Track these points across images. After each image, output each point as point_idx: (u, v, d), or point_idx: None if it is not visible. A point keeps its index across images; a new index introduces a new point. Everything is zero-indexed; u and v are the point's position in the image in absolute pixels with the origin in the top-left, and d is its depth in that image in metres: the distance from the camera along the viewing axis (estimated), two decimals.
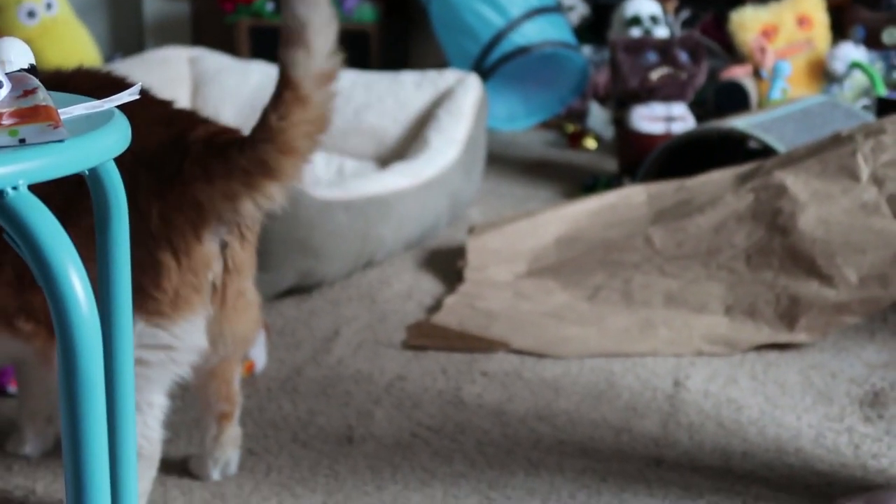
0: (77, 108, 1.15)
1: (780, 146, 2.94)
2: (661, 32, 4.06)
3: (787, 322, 2.36)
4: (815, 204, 2.48)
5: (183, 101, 3.28)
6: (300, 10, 1.42)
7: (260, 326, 1.82)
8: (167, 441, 1.74)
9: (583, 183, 3.52)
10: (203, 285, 1.59)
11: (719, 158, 3.01)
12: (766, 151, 2.98)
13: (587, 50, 4.35)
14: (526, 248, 2.77)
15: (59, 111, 1.07)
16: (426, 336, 2.38)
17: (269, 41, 4.47)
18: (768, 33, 3.98)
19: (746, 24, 3.99)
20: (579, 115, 4.19)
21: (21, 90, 1.07)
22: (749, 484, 1.81)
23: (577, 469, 1.86)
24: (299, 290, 2.60)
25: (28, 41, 1.20)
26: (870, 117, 3.21)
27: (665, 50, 3.58)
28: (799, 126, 3.11)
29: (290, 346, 2.34)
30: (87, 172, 1.18)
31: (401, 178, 2.84)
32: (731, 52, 4.08)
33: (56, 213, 1.04)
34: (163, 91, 1.71)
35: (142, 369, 1.59)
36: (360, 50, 4.45)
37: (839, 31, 4.12)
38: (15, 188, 1.01)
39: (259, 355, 2.20)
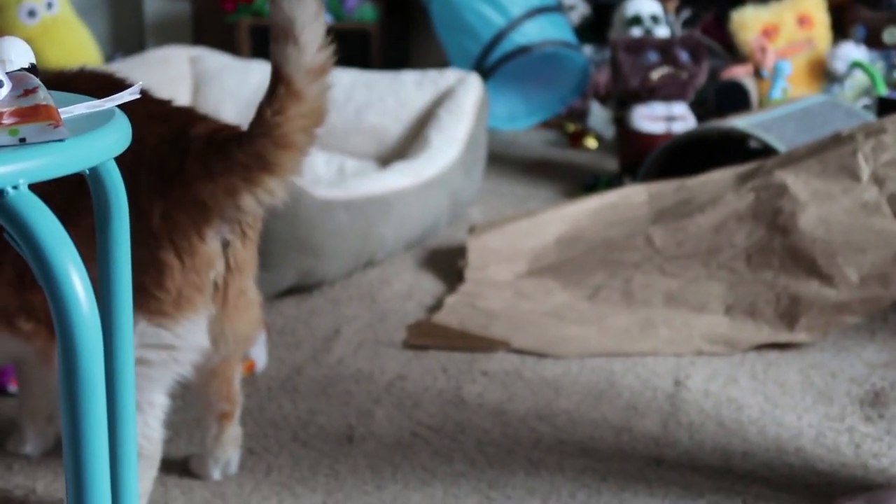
0: (77, 108, 1.15)
1: (781, 146, 2.94)
2: (662, 32, 4.06)
3: (787, 322, 2.36)
4: (816, 203, 2.48)
5: (184, 100, 3.27)
6: (287, 7, 1.43)
7: (261, 326, 1.82)
8: (168, 440, 1.74)
9: (583, 182, 3.52)
10: (206, 284, 1.59)
11: (720, 158, 3.01)
12: (766, 151, 2.98)
13: (588, 49, 4.35)
14: (526, 248, 2.77)
15: (60, 110, 1.07)
16: (427, 335, 2.38)
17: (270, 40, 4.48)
18: (769, 33, 3.98)
19: (747, 23, 3.99)
20: (580, 115, 4.19)
21: (21, 89, 1.07)
22: (749, 483, 1.81)
23: (577, 468, 1.86)
24: (300, 289, 2.60)
25: (29, 40, 1.20)
26: (870, 117, 3.21)
27: (666, 49, 3.58)
28: (799, 126, 3.11)
29: (290, 345, 2.34)
30: (87, 172, 1.18)
31: (401, 177, 2.84)
32: (732, 52, 4.08)
33: (56, 213, 1.04)
34: (164, 90, 1.71)
35: (144, 369, 1.59)
36: (361, 49, 4.45)
37: (840, 30, 4.12)
38: (15, 187, 1.01)
39: (259, 355, 2.20)
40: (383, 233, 2.73)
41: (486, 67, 4.00)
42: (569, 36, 4.13)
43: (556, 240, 2.78)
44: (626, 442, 1.95)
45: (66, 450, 1.07)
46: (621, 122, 3.57)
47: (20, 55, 1.14)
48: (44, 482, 1.82)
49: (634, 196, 2.85)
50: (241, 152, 1.51)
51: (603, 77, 4.23)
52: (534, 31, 4.03)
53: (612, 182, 3.40)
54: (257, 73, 3.44)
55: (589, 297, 2.53)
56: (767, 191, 2.56)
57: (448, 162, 3.01)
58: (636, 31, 4.03)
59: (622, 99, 3.58)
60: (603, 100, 4.23)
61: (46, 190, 1.06)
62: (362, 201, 2.67)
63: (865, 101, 3.76)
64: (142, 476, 1.63)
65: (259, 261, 1.74)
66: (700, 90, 3.69)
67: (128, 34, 4.96)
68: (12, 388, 2.06)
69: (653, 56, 3.56)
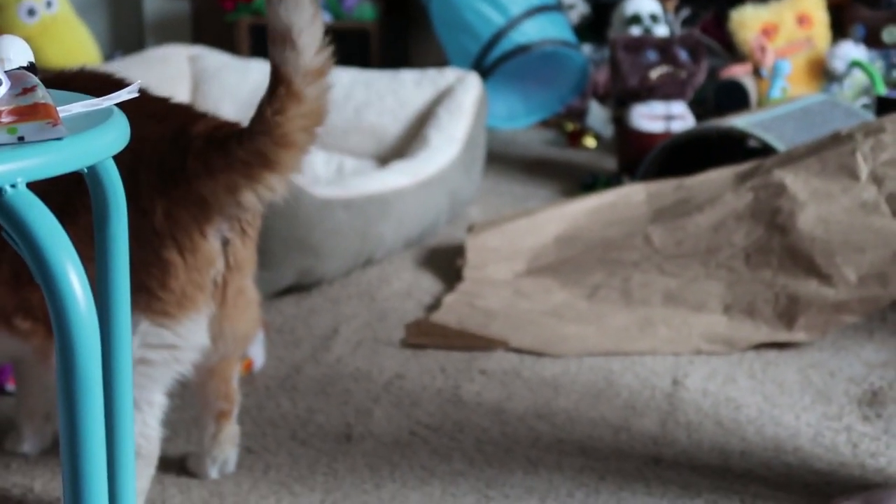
0: (76, 106, 1.15)
1: (780, 145, 2.94)
2: (661, 31, 4.06)
3: (785, 321, 2.36)
4: (815, 203, 2.48)
5: (183, 99, 3.27)
6: (284, 13, 1.44)
7: (259, 325, 1.82)
8: (166, 439, 1.74)
9: (582, 181, 3.52)
10: (206, 283, 1.59)
11: (719, 157, 3.01)
12: (765, 150, 2.98)
13: (587, 48, 4.35)
14: (525, 247, 2.77)
15: (58, 109, 1.07)
16: (425, 334, 2.38)
17: None
18: (768, 32, 3.98)
19: (746, 22, 3.99)
20: (579, 114, 4.19)
21: (20, 88, 1.07)
22: (747, 483, 1.81)
23: (575, 467, 1.86)
24: (299, 288, 2.60)
25: (28, 39, 1.20)
26: (869, 116, 3.21)
27: (665, 49, 3.58)
28: (798, 125, 3.11)
29: (289, 344, 2.34)
30: (85, 170, 1.18)
31: (400, 176, 2.84)
32: (731, 51, 4.08)
33: (54, 211, 1.04)
34: (163, 89, 1.71)
35: (145, 368, 1.59)
36: (360, 48, 4.45)
37: (839, 29, 4.12)
38: (13, 186, 1.01)
39: (258, 353, 2.20)
40: (382, 232, 2.73)
41: (485, 66, 4.00)
42: (568, 35, 4.13)
43: (555, 239, 2.78)
44: (625, 441, 1.95)
45: (64, 448, 1.07)
46: (620, 121, 3.57)
47: (19, 54, 1.14)
48: (41, 481, 1.82)
49: (633, 195, 2.85)
50: (242, 149, 1.52)
51: (602, 76, 4.23)
52: (533, 31, 4.03)
53: (611, 181, 3.40)
54: (256, 72, 3.44)
55: (587, 297, 2.53)
56: (766, 190, 2.56)
57: (447, 161, 3.01)
58: (635, 30, 4.03)
59: (621, 98, 3.59)
60: (602, 99, 4.23)
61: (44, 188, 1.06)
62: (361, 200, 2.67)
63: (864, 100, 3.76)
64: (139, 475, 1.63)
65: (258, 259, 1.74)
66: (699, 89, 3.69)
67: (127, 33, 4.96)
68: (10, 386, 2.06)
69: (652, 55, 3.56)
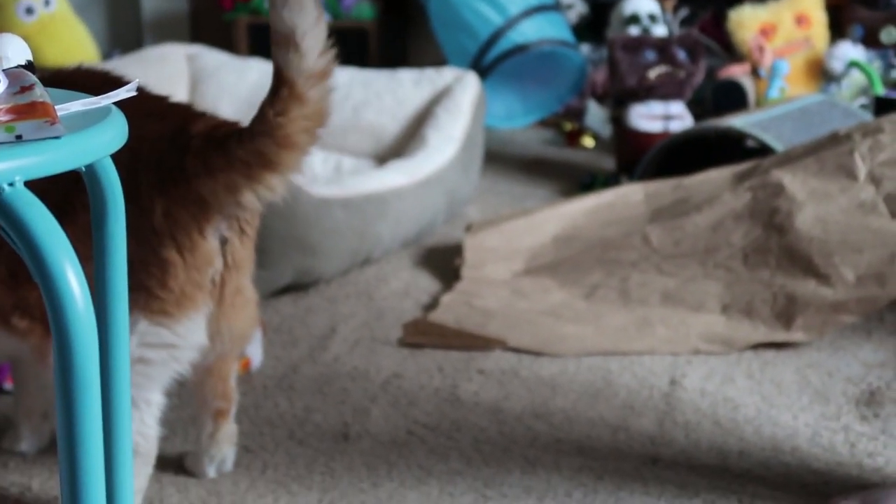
0: (74, 105, 1.15)
1: (778, 145, 2.94)
2: (660, 31, 4.06)
3: (783, 321, 2.36)
4: (813, 203, 2.48)
5: (181, 97, 3.27)
6: (287, 16, 1.43)
7: (257, 324, 1.82)
8: (163, 438, 1.74)
9: (580, 181, 3.52)
10: (205, 282, 1.59)
11: (717, 157, 3.02)
12: (763, 150, 2.98)
13: (585, 48, 4.35)
14: (523, 247, 2.77)
15: (56, 108, 1.07)
16: (423, 334, 2.38)
17: (268, 38, 4.46)
18: (767, 32, 3.98)
19: (745, 22, 3.99)
20: (577, 114, 4.19)
21: (18, 86, 1.07)
22: (745, 482, 1.81)
23: (573, 467, 1.86)
24: (296, 287, 2.60)
25: (26, 38, 1.20)
26: (868, 116, 3.21)
27: (663, 48, 3.58)
28: (797, 125, 3.11)
29: (286, 343, 2.34)
30: (83, 169, 1.18)
31: (398, 175, 2.84)
32: (730, 51, 4.08)
33: (52, 210, 1.04)
34: (161, 88, 1.71)
35: (144, 368, 1.59)
36: (358, 47, 4.45)
37: (837, 30, 4.12)
38: (11, 184, 1.01)
39: (255, 352, 2.20)
40: (380, 231, 2.73)
41: (483, 66, 4.00)
42: (566, 35, 4.13)
43: (553, 239, 2.78)
44: (623, 441, 1.95)
45: (62, 447, 1.07)
46: (618, 120, 3.57)
47: (17, 52, 1.13)
48: (39, 480, 1.82)
49: (631, 195, 2.85)
50: (242, 149, 1.52)
51: (600, 76, 4.23)
52: (531, 30, 4.03)
53: (609, 181, 3.40)
54: (255, 71, 3.44)
55: (586, 296, 2.53)
56: (764, 190, 2.56)
57: (445, 160, 3.01)
58: (634, 30, 4.03)
59: (619, 98, 3.59)
60: (600, 99, 4.23)
61: (42, 187, 1.05)
62: (359, 199, 2.67)
63: (863, 100, 3.76)
64: (137, 473, 1.63)
65: (256, 259, 1.74)
66: (697, 89, 3.69)
67: (125, 32, 4.96)
68: (8, 385, 2.06)
69: (650, 55, 3.56)
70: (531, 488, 1.80)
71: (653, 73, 3.52)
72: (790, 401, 2.09)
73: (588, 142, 3.99)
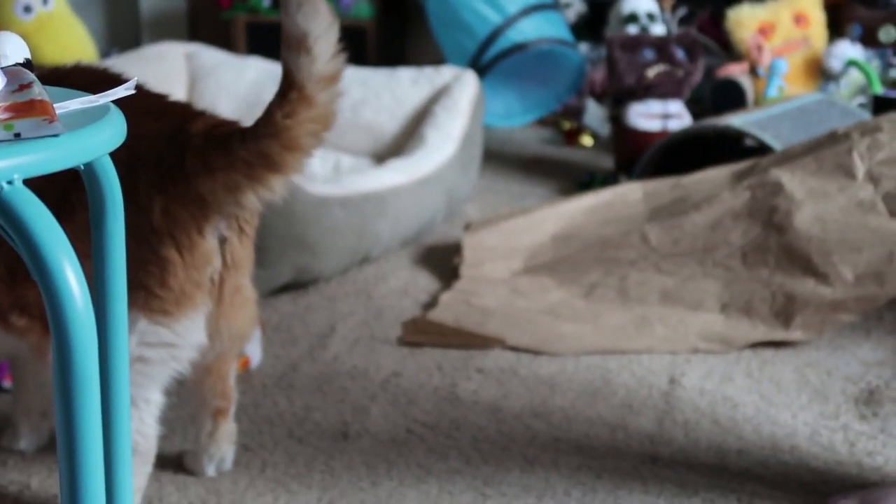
0: (72, 103, 1.15)
1: (777, 144, 2.94)
2: (658, 30, 4.06)
3: (782, 320, 2.36)
4: (811, 202, 2.48)
5: (179, 96, 3.27)
6: (300, 20, 1.43)
7: (256, 323, 1.82)
8: (162, 437, 1.74)
9: (579, 180, 3.52)
10: (204, 281, 1.59)
11: (715, 156, 3.02)
12: (762, 149, 2.98)
13: (584, 47, 4.35)
14: (522, 245, 2.77)
15: (55, 106, 1.07)
16: (422, 332, 2.38)
17: (266, 37, 4.48)
18: (765, 31, 3.98)
19: (743, 21, 3.99)
20: (576, 113, 4.19)
21: (16, 84, 1.07)
22: (744, 481, 1.81)
23: (572, 466, 1.86)
24: (295, 286, 2.60)
25: (24, 36, 1.20)
26: (866, 115, 3.21)
27: (662, 47, 3.58)
28: (795, 124, 3.11)
29: (285, 342, 2.34)
30: (82, 167, 1.18)
31: (397, 174, 2.84)
32: (728, 50, 4.08)
33: (51, 208, 1.04)
34: (159, 87, 1.70)
35: (143, 367, 1.59)
36: (356, 46, 4.43)
37: (836, 29, 4.12)
38: (10, 183, 1.01)
39: (254, 351, 2.20)
40: (379, 230, 2.73)
41: (482, 65, 4.00)
42: (565, 33, 4.13)
43: (552, 237, 2.78)
44: (622, 440, 1.95)
45: (61, 446, 1.07)
46: (617, 119, 3.57)
47: (15, 50, 1.13)
48: (38, 478, 1.81)
49: (630, 194, 2.85)
50: (245, 150, 1.51)
51: (599, 75, 4.23)
52: (530, 29, 4.03)
53: (608, 180, 3.40)
54: (253, 70, 3.44)
55: (584, 295, 2.53)
56: (763, 189, 2.56)
57: (444, 159, 3.01)
58: (632, 29, 4.03)
59: (618, 97, 3.58)
60: (599, 97, 4.23)
61: (41, 185, 1.05)
62: (358, 198, 2.67)
63: (861, 99, 3.76)
64: (136, 472, 1.63)
65: (255, 257, 1.74)
66: (696, 88, 3.69)
67: (123, 30, 4.96)
68: (6, 383, 2.06)
69: (649, 54, 3.56)
70: (530, 487, 1.80)
71: (651, 72, 3.52)
72: (789, 400, 2.09)
73: (587, 140, 3.99)
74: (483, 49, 4.03)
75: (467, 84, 3.28)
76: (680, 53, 3.58)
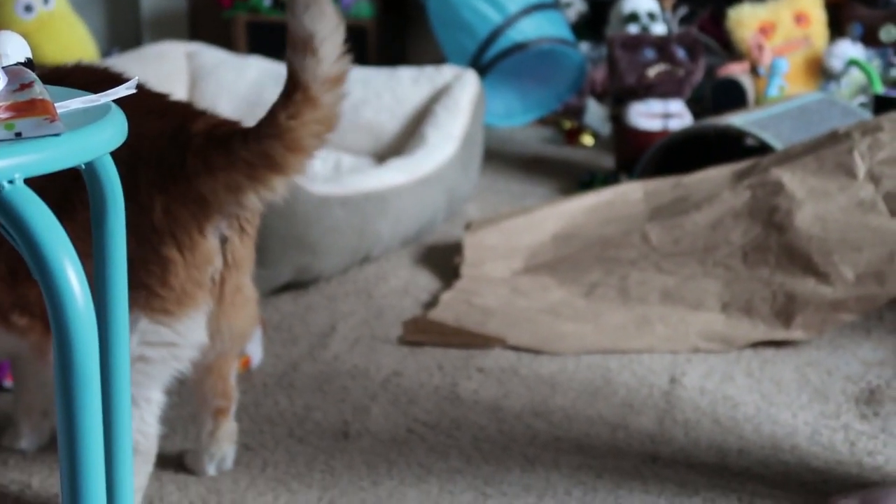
0: (73, 103, 1.15)
1: (777, 143, 2.94)
2: (659, 29, 4.06)
3: (783, 319, 2.36)
4: (812, 201, 2.48)
5: (180, 95, 3.27)
6: (307, 21, 1.43)
7: (257, 322, 1.82)
8: (163, 436, 1.74)
9: (580, 179, 3.52)
10: (205, 280, 1.59)
11: (716, 155, 3.01)
12: (762, 149, 2.98)
13: (584, 46, 4.35)
14: (522, 245, 2.77)
15: (56, 105, 1.07)
16: (422, 332, 2.38)
17: (267, 36, 4.48)
18: (766, 30, 3.98)
19: (744, 20, 3.99)
20: (576, 112, 4.18)
21: (17, 84, 1.07)
22: (745, 481, 1.81)
23: (573, 465, 1.86)
24: (296, 285, 2.60)
25: (25, 35, 1.20)
26: (867, 115, 3.21)
27: (662, 47, 3.58)
28: (796, 123, 3.11)
29: (286, 341, 2.34)
30: (83, 166, 1.18)
31: (398, 173, 2.84)
32: (729, 49, 4.08)
33: (52, 208, 1.04)
34: (160, 86, 1.71)
35: (144, 366, 1.59)
36: (357, 46, 4.41)
37: (837, 28, 4.12)
38: (11, 182, 1.01)
39: (255, 351, 2.20)
40: (379, 229, 2.73)
41: (482, 64, 4.00)
42: (565, 33, 4.13)
43: (553, 237, 2.78)
44: (622, 439, 1.95)
45: (62, 445, 1.07)
46: (618, 119, 3.57)
47: (16, 50, 1.13)
48: (39, 477, 1.81)
49: (631, 193, 2.85)
50: (247, 150, 1.51)
51: (599, 74, 4.23)
52: (530, 28, 4.03)
53: (609, 179, 3.40)
54: (254, 69, 3.44)
55: (585, 295, 2.53)
56: (764, 188, 2.56)
57: (444, 158, 3.01)
58: (633, 29, 4.03)
59: (619, 96, 3.58)
60: (599, 97, 4.23)
61: (42, 185, 1.05)
62: (359, 198, 2.67)
63: (862, 98, 3.76)
64: (137, 471, 1.63)
65: (256, 257, 1.74)
66: (697, 87, 3.69)
67: (124, 29, 4.96)
68: (7, 383, 2.06)
69: (649, 53, 3.56)
70: (531, 486, 1.80)
71: (652, 72, 3.52)
72: (790, 399, 2.09)
73: (587, 140, 3.99)
74: (484, 48, 4.03)
75: (468, 83, 3.28)
76: (681, 53, 3.58)
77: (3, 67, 1.09)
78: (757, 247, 2.49)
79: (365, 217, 2.67)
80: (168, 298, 1.56)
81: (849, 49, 3.93)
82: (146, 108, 1.56)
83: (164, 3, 4.91)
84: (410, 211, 2.83)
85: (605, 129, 3.99)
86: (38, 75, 1.10)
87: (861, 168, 2.47)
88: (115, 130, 1.14)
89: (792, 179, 2.53)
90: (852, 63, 3.84)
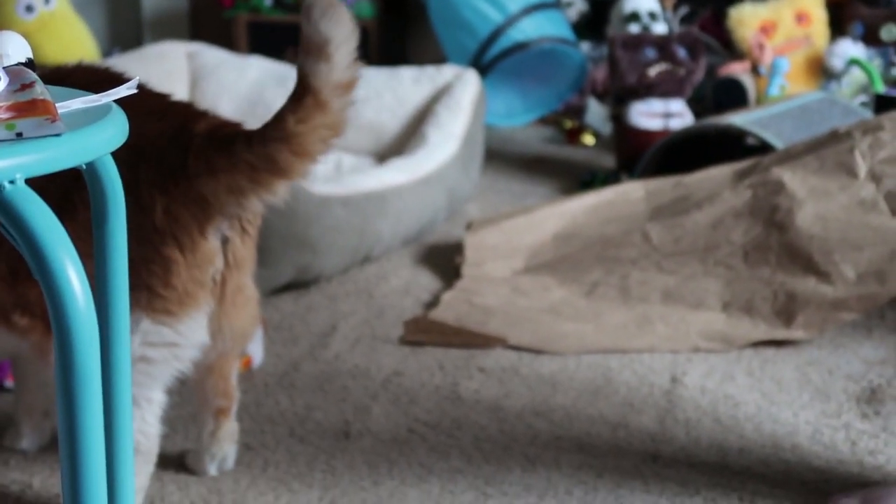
0: (74, 103, 1.15)
1: (778, 143, 2.94)
2: (660, 29, 4.06)
3: (784, 319, 2.36)
4: (813, 200, 2.48)
5: (181, 95, 3.27)
6: (323, 27, 1.43)
7: (258, 322, 1.82)
8: (164, 436, 1.74)
9: (580, 179, 3.52)
10: (206, 281, 1.59)
11: (717, 155, 3.01)
12: (763, 148, 2.98)
13: (585, 46, 4.35)
14: (523, 244, 2.77)
15: (57, 105, 1.07)
16: (423, 332, 2.38)
17: (268, 36, 4.48)
18: (767, 30, 3.98)
19: (745, 20, 3.99)
20: (577, 112, 4.19)
21: (18, 84, 1.07)
22: (745, 480, 1.81)
23: (573, 465, 1.86)
24: (297, 285, 2.60)
25: (26, 35, 1.20)
26: (868, 114, 3.21)
27: (663, 46, 3.58)
28: (797, 123, 3.11)
29: (287, 341, 2.34)
30: (84, 166, 1.18)
31: (398, 173, 2.84)
32: (730, 49, 4.08)
33: (53, 208, 1.04)
34: (161, 86, 1.71)
35: (145, 366, 1.59)
36: (358, 45, 4.43)
37: (838, 27, 4.12)
38: (12, 182, 1.01)
39: (256, 350, 2.20)
40: (380, 229, 2.73)
41: (483, 64, 4.00)
42: (566, 32, 4.13)
43: (553, 236, 2.78)
44: (623, 438, 1.95)
45: (63, 445, 1.07)
46: (618, 118, 3.57)
47: (17, 50, 1.13)
48: (40, 477, 1.82)
49: (631, 193, 2.85)
50: (251, 153, 1.51)
51: (600, 74, 4.23)
52: (531, 28, 4.03)
53: (609, 179, 3.40)
54: (255, 69, 3.44)
55: (586, 294, 2.53)
56: (764, 188, 2.56)
57: (445, 158, 3.01)
58: (634, 28, 4.03)
59: (619, 95, 3.58)
60: (600, 96, 4.23)
61: (43, 185, 1.05)
62: (359, 197, 2.67)
63: (863, 98, 3.76)
64: (138, 471, 1.63)
65: (257, 257, 1.74)
66: (697, 87, 3.69)
67: (125, 29, 4.96)
68: (8, 383, 2.06)
69: (650, 53, 3.56)
70: (531, 486, 1.80)
71: (653, 71, 3.52)
72: (790, 398, 2.09)
73: (588, 139, 3.99)
74: (484, 48, 4.03)
75: (469, 83, 3.28)
76: (681, 52, 3.58)
77: (4, 67, 1.09)
78: (758, 246, 2.49)
79: (366, 217, 2.67)
80: (170, 299, 1.56)
81: (850, 48, 3.93)
82: (147, 108, 1.56)
83: (165, 3, 4.91)
84: (411, 210, 2.83)
85: (606, 128, 3.99)
86: (39, 75, 1.10)
87: (862, 167, 2.47)
88: (116, 130, 1.14)
89: (793, 179, 2.53)
90: (853, 62, 3.84)
